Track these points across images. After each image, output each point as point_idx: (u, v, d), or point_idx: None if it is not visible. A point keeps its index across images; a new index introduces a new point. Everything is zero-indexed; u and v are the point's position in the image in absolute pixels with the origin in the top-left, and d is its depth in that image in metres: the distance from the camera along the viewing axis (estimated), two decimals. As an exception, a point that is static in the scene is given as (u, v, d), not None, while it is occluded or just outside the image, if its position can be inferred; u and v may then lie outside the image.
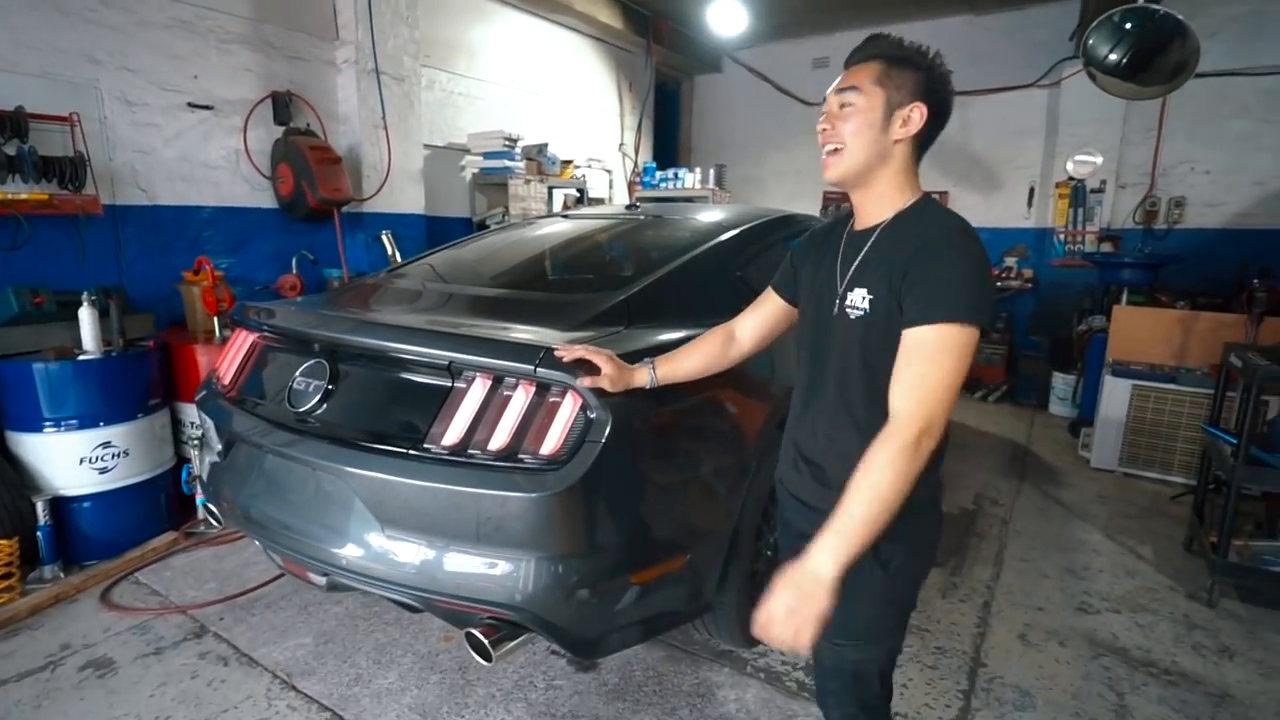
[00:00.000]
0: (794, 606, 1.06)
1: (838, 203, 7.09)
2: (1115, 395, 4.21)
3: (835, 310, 1.29)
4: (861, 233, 1.30)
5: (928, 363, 1.12)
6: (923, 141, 1.27)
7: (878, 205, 1.28)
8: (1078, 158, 5.75)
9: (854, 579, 1.20)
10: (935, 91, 1.24)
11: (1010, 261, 6.48)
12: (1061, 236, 6.11)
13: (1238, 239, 5.56)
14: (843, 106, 1.24)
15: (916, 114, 1.23)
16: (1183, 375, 4.05)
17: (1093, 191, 5.94)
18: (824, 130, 1.27)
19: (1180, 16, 3.90)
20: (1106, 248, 5.85)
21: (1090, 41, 4.16)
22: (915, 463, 1.10)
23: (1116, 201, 5.98)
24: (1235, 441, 2.76)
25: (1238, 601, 2.82)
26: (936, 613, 2.67)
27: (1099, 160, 5.69)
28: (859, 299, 1.24)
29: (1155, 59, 4.12)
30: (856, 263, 1.28)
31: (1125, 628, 2.62)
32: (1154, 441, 4.14)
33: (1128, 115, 5.75)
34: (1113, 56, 4.16)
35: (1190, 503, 3.43)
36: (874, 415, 1.20)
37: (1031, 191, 6.41)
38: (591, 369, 1.55)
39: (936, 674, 2.32)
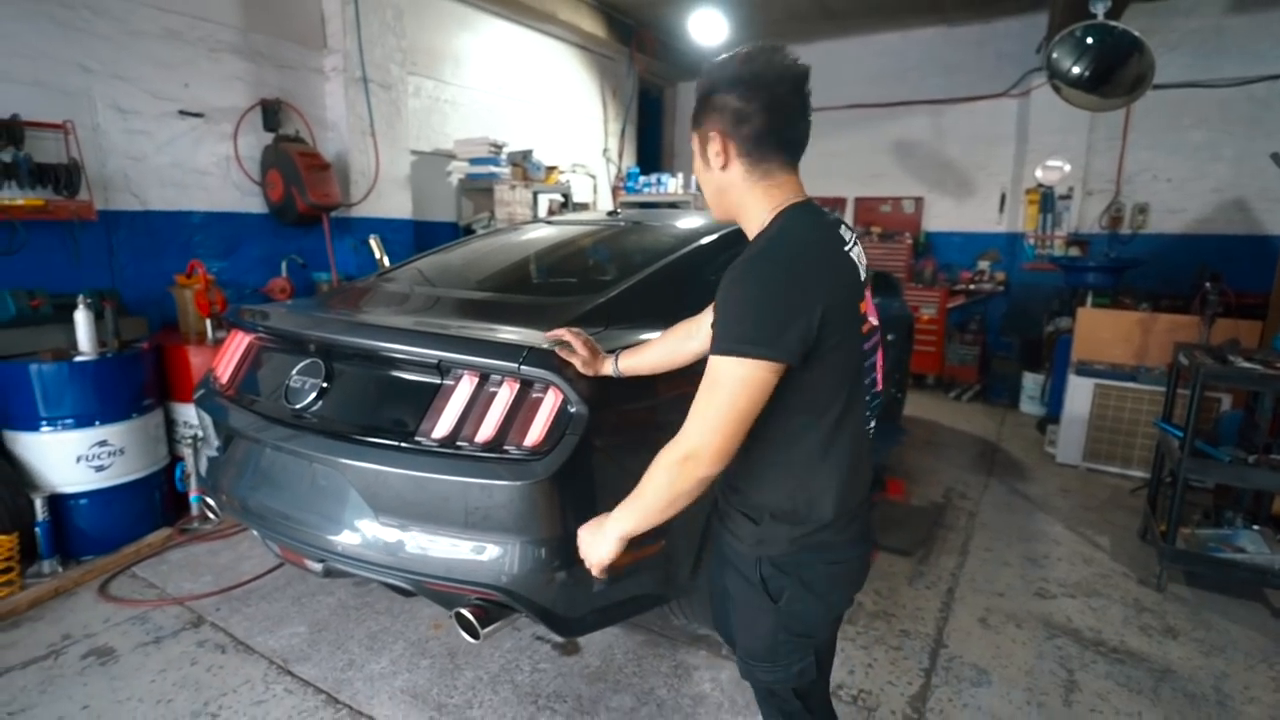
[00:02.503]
0: (591, 540, 1.30)
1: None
2: (1079, 394, 4.40)
3: None
4: None
5: (705, 390, 1.14)
6: (751, 157, 1.19)
7: (750, 231, 1.26)
8: (1047, 164, 5.95)
9: (746, 605, 1.32)
10: (737, 105, 1.16)
11: (983, 265, 6.68)
12: (1032, 241, 6.32)
13: (1196, 244, 5.80)
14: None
15: (715, 143, 1.20)
16: (1142, 374, 4.24)
17: (1061, 198, 6.15)
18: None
19: (1136, 33, 4.10)
20: (1074, 252, 6.06)
21: (1054, 55, 4.35)
22: (677, 482, 1.15)
23: (1084, 207, 6.20)
24: (1182, 435, 2.94)
25: (1185, 585, 2.99)
26: (903, 598, 2.82)
27: (1067, 167, 5.90)
28: None
29: (1115, 72, 4.32)
30: None
31: (1079, 611, 2.78)
32: (1115, 437, 4.32)
33: (1094, 124, 5.97)
34: (1075, 70, 4.35)
35: (1146, 494, 3.61)
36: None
37: (1003, 197, 6.61)
38: (570, 349, 1.66)
39: (900, 654, 2.46)
